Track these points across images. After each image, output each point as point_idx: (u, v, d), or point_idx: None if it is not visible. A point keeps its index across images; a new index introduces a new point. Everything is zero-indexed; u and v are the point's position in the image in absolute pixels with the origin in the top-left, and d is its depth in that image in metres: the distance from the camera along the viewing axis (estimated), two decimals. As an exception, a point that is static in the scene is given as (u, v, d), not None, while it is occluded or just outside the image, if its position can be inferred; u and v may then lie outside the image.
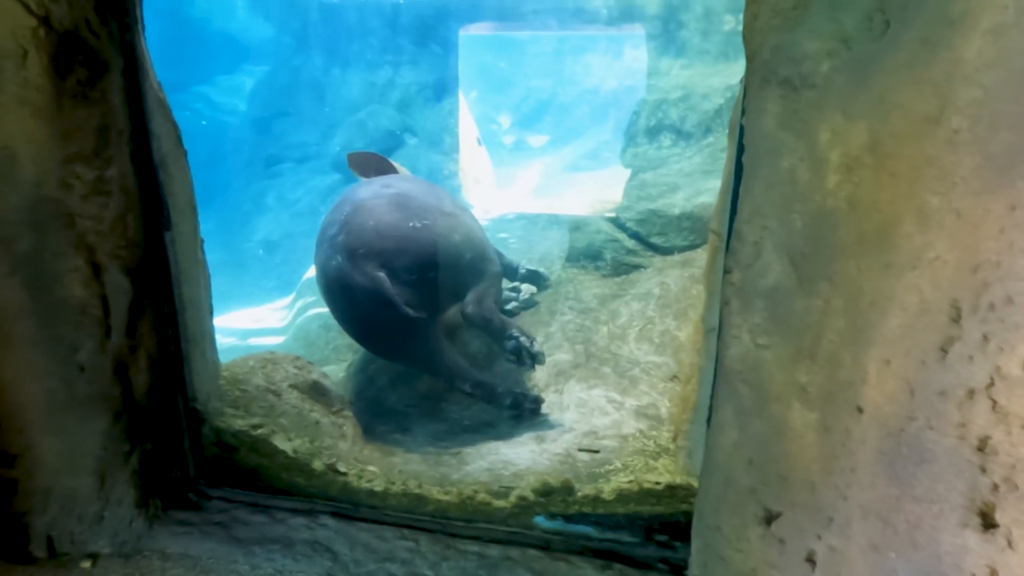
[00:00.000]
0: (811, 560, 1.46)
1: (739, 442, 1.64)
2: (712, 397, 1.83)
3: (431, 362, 3.76)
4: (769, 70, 1.47)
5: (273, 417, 2.71)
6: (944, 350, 1.13)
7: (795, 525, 1.51)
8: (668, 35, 7.59)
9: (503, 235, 6.20)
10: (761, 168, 1.52)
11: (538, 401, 3.53)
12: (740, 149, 1.62)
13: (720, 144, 6.07)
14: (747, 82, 1.56)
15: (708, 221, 4.63)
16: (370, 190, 4.02)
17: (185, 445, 2.58)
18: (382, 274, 3.41)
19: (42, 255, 1.99)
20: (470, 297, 3.65)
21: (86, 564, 2.16)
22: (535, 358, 3.57)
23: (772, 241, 1.50)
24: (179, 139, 2.43)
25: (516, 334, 3.58)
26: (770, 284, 1.52)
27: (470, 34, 9.65)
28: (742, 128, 1.60)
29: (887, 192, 1.25)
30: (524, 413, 3.48)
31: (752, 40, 1.52)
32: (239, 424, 2.61)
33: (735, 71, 6.93)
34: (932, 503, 1.14)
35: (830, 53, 1.35)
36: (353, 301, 3.56)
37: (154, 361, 2.38)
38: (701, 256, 4.42)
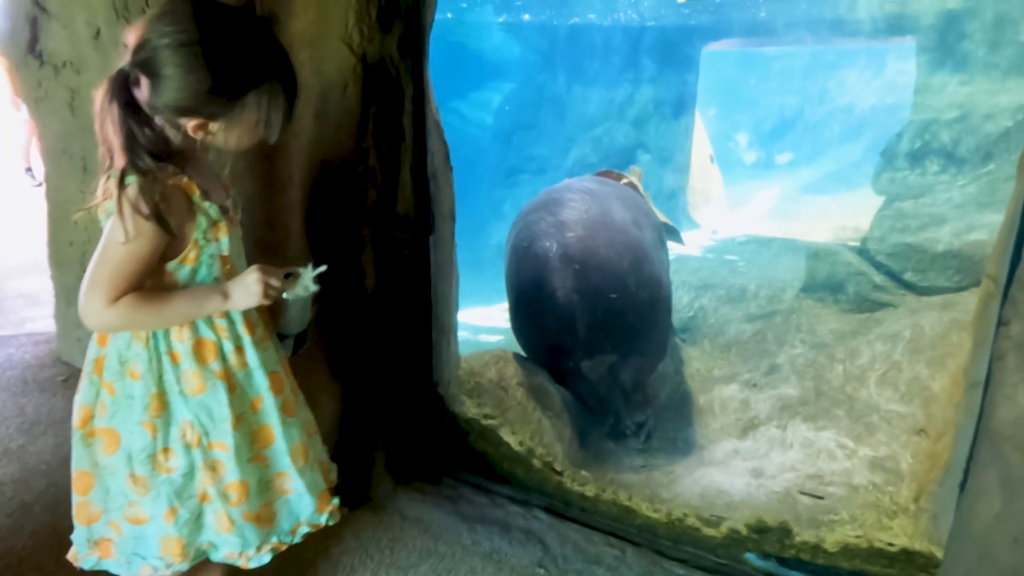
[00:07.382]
0: (1088, 664, 1.27)
1: (1002, 515, 1.46)
2: (970, 459, 1.65)
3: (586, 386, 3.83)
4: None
5: (502, 410, 2.96)
6: None
7: (1069, 621, 1.31)
8: (945, 47, 6.75)
9: (731, 257, 6.01)
10: (1060, 212, 1.35)
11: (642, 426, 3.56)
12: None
13: (1003, 173, 5.26)
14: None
15: (981, 261, 4.05)
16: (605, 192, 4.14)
17: (426, 424, 2.92)
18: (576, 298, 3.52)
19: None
20: (633, 363, 3.62)
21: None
22: (650, 440, 3.54)
23: (1067, 295, 1.33)
24: (447, 156, 2.77)
25: (647, 415, 3.58)
26: (1060, 343, 1.34)
27: (713, 50, 9.49)
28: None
29: None
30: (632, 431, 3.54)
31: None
32: (472, 412, 2.89)
33: (1031, 88, 5.96)
34: None
35: None
36: (540, 298, 3.70)
37: (406, 351, 2.73)
38: (967, 300, 3.88)
